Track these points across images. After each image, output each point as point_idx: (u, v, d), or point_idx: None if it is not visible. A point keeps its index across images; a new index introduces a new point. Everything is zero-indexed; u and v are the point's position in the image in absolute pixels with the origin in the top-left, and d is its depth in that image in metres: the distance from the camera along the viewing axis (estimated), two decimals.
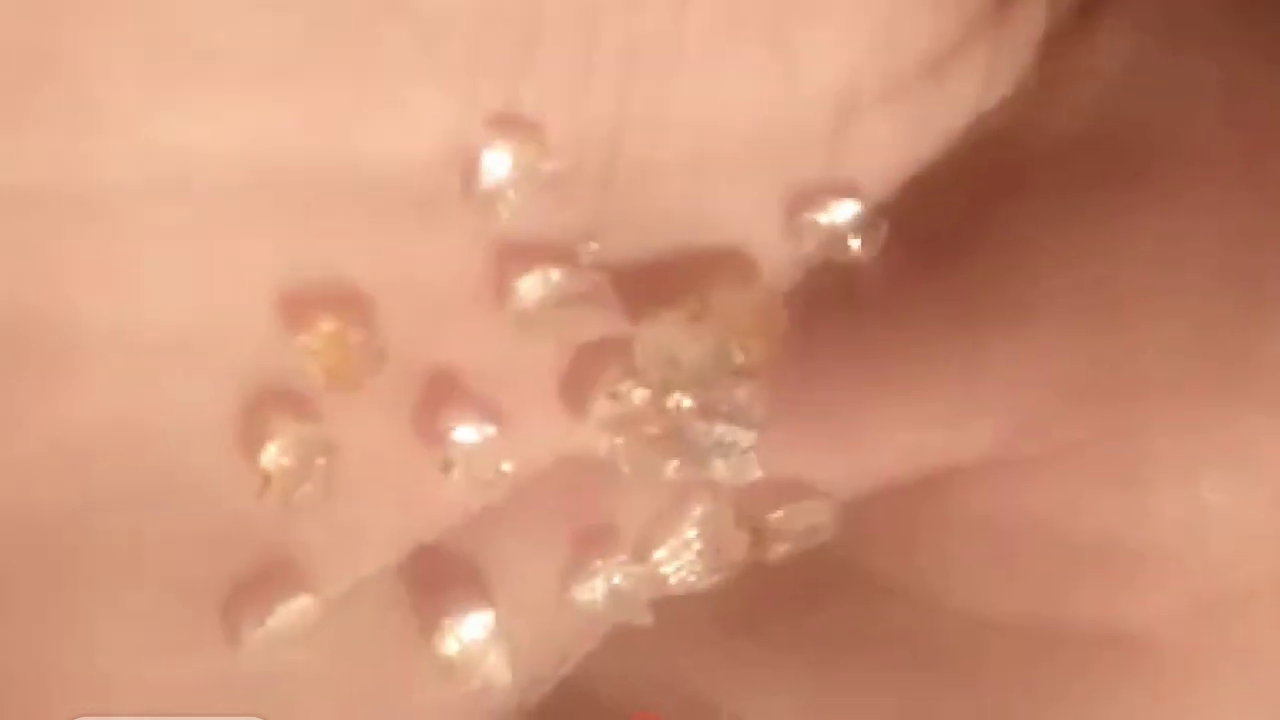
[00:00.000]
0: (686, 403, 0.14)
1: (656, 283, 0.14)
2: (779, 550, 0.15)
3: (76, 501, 0.13)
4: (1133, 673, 0.14)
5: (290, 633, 0.14)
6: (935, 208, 0.14)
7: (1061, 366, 0.14)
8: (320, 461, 0.14)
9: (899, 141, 0.14)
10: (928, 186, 0.14)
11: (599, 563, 0.15)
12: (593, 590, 0.15)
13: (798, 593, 0.15)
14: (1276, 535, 0.14)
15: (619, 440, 0.14)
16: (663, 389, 0.14)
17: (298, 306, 0.13)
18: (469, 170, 0.13)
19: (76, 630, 0.13)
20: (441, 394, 0.14)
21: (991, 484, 0.14)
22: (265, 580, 0.14)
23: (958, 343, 0.14)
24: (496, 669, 0.14)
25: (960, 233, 0.14)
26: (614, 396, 0.14)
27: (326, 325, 0.13)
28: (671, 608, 0.15)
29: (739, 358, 0.14)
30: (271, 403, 0.14)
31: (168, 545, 0.14)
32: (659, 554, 0.15)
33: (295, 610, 0.14)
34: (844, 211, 0.14)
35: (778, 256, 0.14)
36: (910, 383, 0.14)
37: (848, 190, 0.14)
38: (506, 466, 0.14)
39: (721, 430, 0.14)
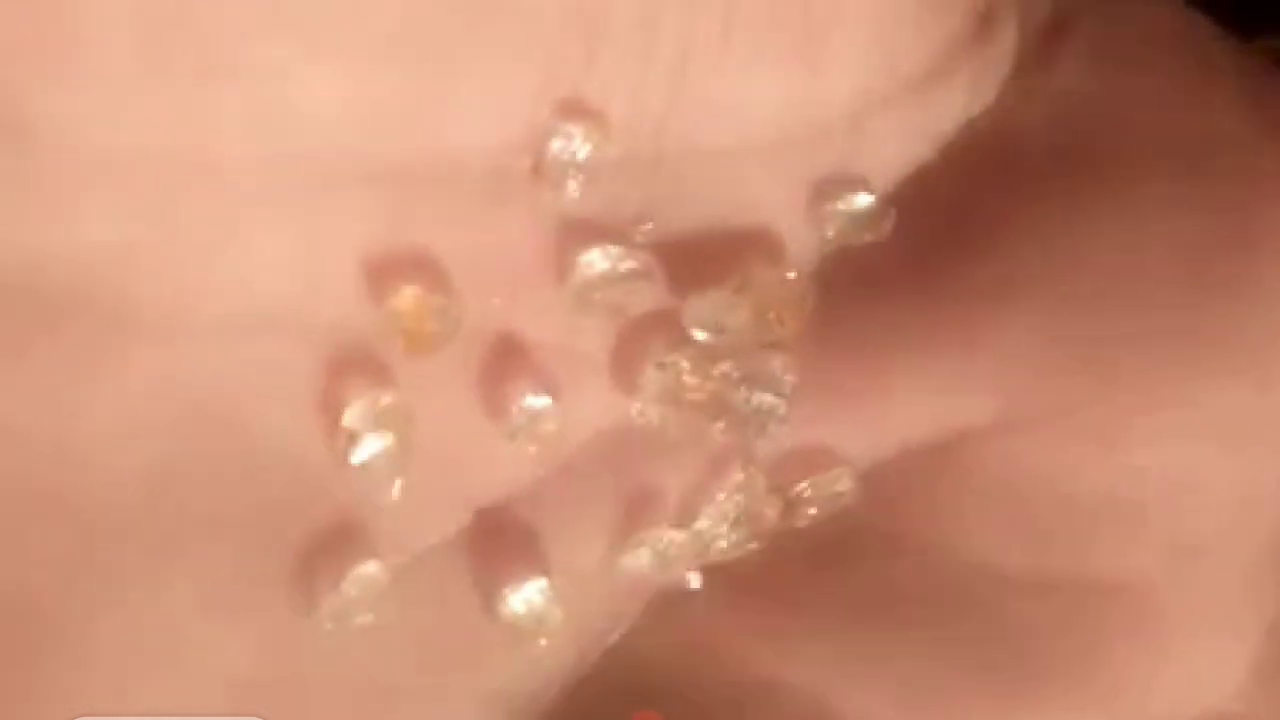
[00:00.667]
0: (728, 371, 0.15)
1: (697, 262, 0.15)
2: (807, 515, 0.16)
3: (152, 468, 0.14)
4: (1134, 619, 0.16)
5: (361, 599, 0.15)
6: (933, 200, 0.16)
7: (1045, 341, 0.16)
8: (398, 426, 0.14)
9: (901, 141, 0.16)
10: (926, 181, 0.16)
11: (645, 531, 0.16)
12: (639, 557, 0.16)
13: (826, 557, 0.16)
14: (1233, 485, 0.16)
15: (667, 408, 0.15)
16: (708, 359, 0.15)
17: (381, 275, 0.14)
18: (539, 152, 0.15)
19: (149, 598, 0.14)
20: (508, 364, 0.15)
21: (997, 447, 0.16)
22: (336, 546, 0.15)
23: (957, 321, 0.16)
24: (552, 634, 0.15)
25: (956, 223, 0.16)
26: (662, 367, 0.15)
27: (410, 292, 0.14)
28: (709, 576, 0.16)
29: (776, 327, 0.15)
30: (350, 368, 0.14)
31: (241, 512, 0.14)
32: (700, 522, 0.16)
33: (365, 576, 0.15)
34: (859, 201, 0.16)
35: (803, 241, 0.16)
36: (917, 357, 0.16)
37: (861, 183, 0.16)
38: (568, 436, 0.15)
39: (759, 398, 0.16)
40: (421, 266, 0.14)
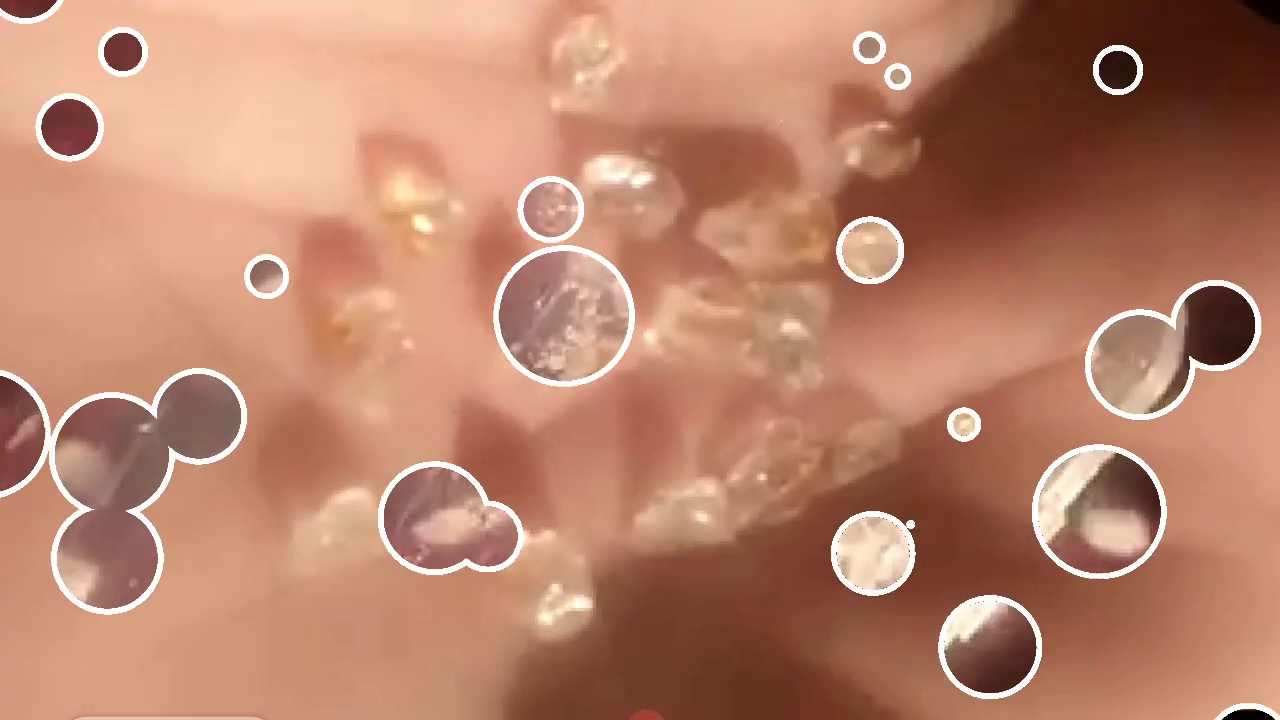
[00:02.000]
0: (754, 292, 0.14)
1: (711, 181, 0.14)
2: (846, 466, 0.14)
3: (114, 351, 0.12)
4: (1238, 599, 0.14)
5: (343, 529, 0.13)
6: (960, 128, 0.15)
7: (1098, 261, 0.14)
8: (388, 330, 0.13)
9: (926, 66, 0.15)
10: (952, 109, 0.16)
11: (665, 487, 0.14)
12: (659, 513, 0.14)
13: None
14: None
15: (687, 333, 0.14)
16: (730, 281, 0.14)
17: (378, 165, 0.13)
18: (546, 51, 0.14)
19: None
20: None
21: (1054, 386, 0.14)
22: (318, 468, 0.13)
23: (1004, 242, 0.15)
24: (559, 591, 0.13)
25: (986, 149, 0.15)
26: (681, 286, 0.14)
27: (406, 180, 0.13)
28: (744, 541, 0.14)
29: (801, 246, 0.14)
30: (342, 269, 0.13)
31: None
32: (732, 477, 0.14)
33: (348, 503, 0.13)
34: (881, 127, 0.15)
35: (821, 165, 0.15)
36: (963, 284, 0.14)
37: (882, 108, 0.15)
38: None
39: (789, 326, 0.14)
40: (421, 159, 0.13)
